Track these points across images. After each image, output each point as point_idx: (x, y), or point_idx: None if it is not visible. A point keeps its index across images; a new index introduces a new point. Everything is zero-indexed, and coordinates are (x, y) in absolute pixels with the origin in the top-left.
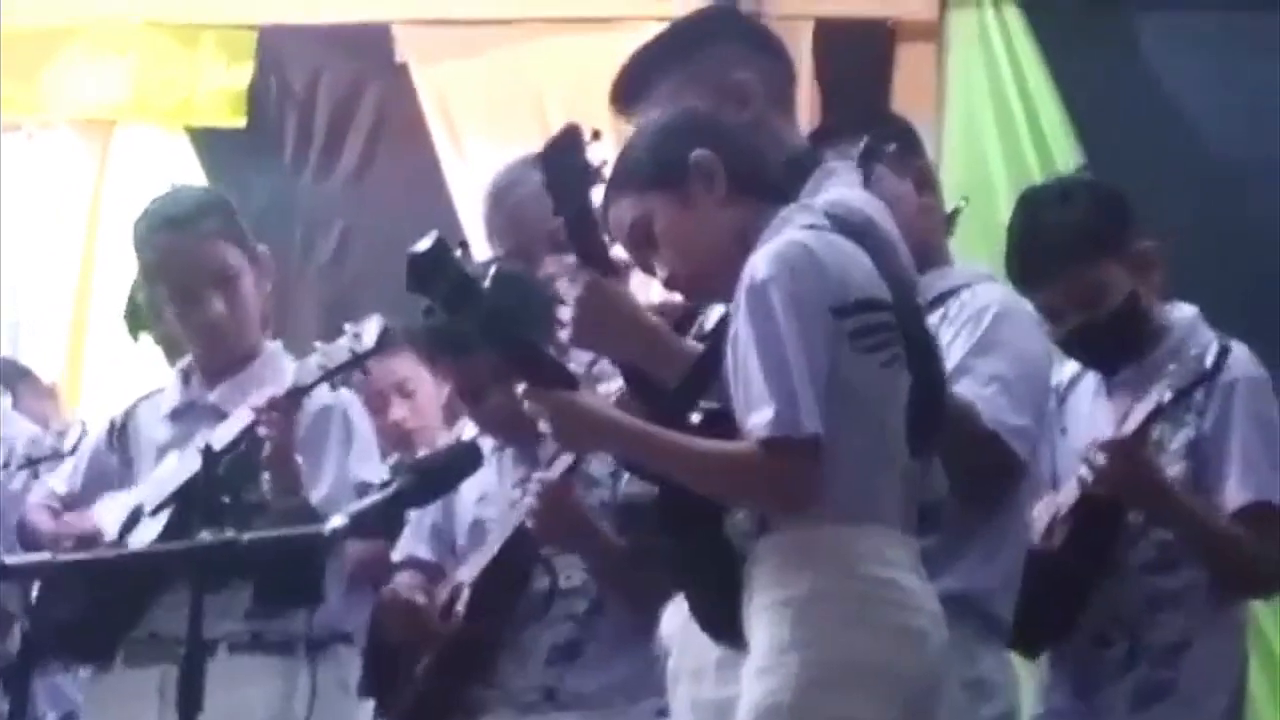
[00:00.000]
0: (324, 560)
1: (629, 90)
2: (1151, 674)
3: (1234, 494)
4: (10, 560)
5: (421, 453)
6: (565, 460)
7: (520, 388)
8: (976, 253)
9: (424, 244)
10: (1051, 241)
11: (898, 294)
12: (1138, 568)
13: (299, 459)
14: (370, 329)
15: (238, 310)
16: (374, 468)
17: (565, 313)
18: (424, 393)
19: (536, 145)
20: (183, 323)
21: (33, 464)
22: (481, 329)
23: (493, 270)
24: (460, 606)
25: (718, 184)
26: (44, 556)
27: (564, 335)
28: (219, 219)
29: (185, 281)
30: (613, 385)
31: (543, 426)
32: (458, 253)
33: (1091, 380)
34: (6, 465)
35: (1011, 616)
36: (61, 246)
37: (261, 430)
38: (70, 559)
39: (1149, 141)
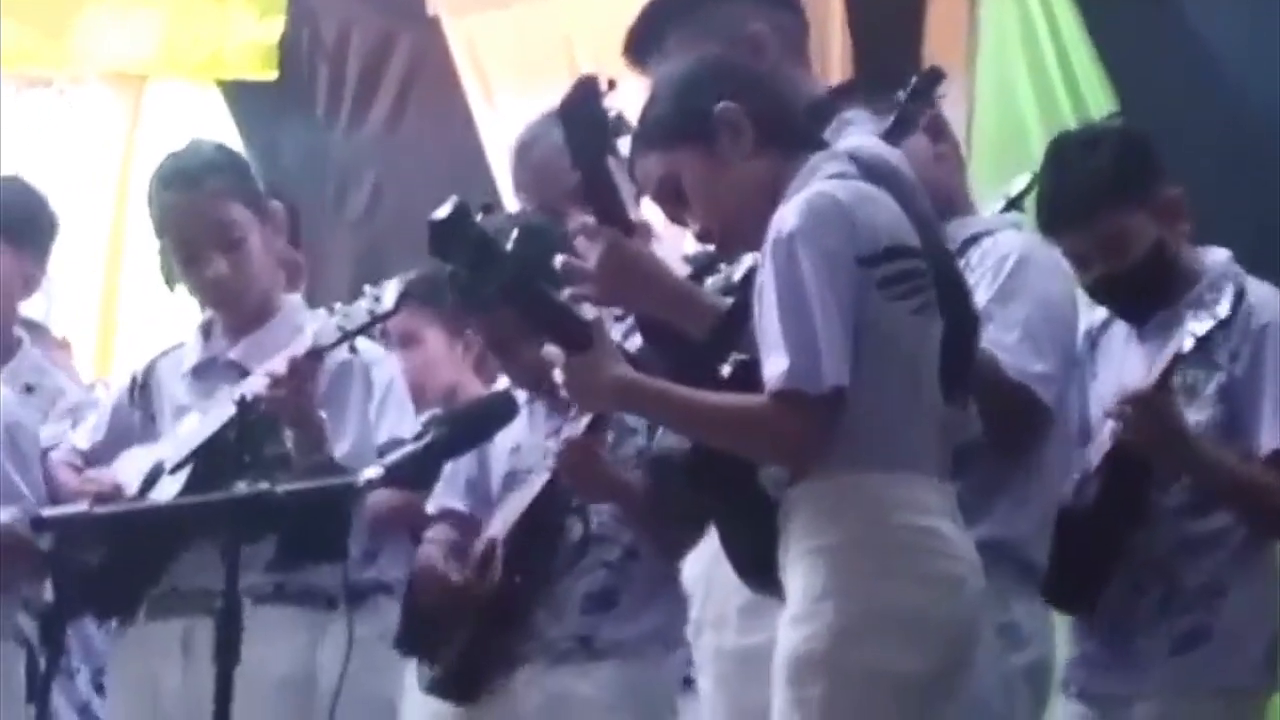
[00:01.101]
0: (349, 515)
1: (642, 43)
2: (1188, 619)
3: (1267, 438)
4: (48, 512)
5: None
6: (586, 418)
7: (548, 349)
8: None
9: (444, 210)
10: (1077, 188)
11: (926, 239)
12: (1171, 512)
13: (322, 415)
14: (389, 291)
15: (243, 270)
16: (407, 422)
17: (584, 269)
18: (434, 344)
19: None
20: (187, 280)
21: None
22: (504, 292)
23: (515, 232)
24: (496, 562)
25: (744, 135)
26: (80, 508)
27: (587, 292)
28: (226, 177)
29: (187, 240)
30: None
31: (564, 386)
32: (479, 216)
33: (1123, 324)
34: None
35: (1045, 562)
36: (94, 202)
37: (280, 393)
38: (106, 511)
39: (1183, 89)
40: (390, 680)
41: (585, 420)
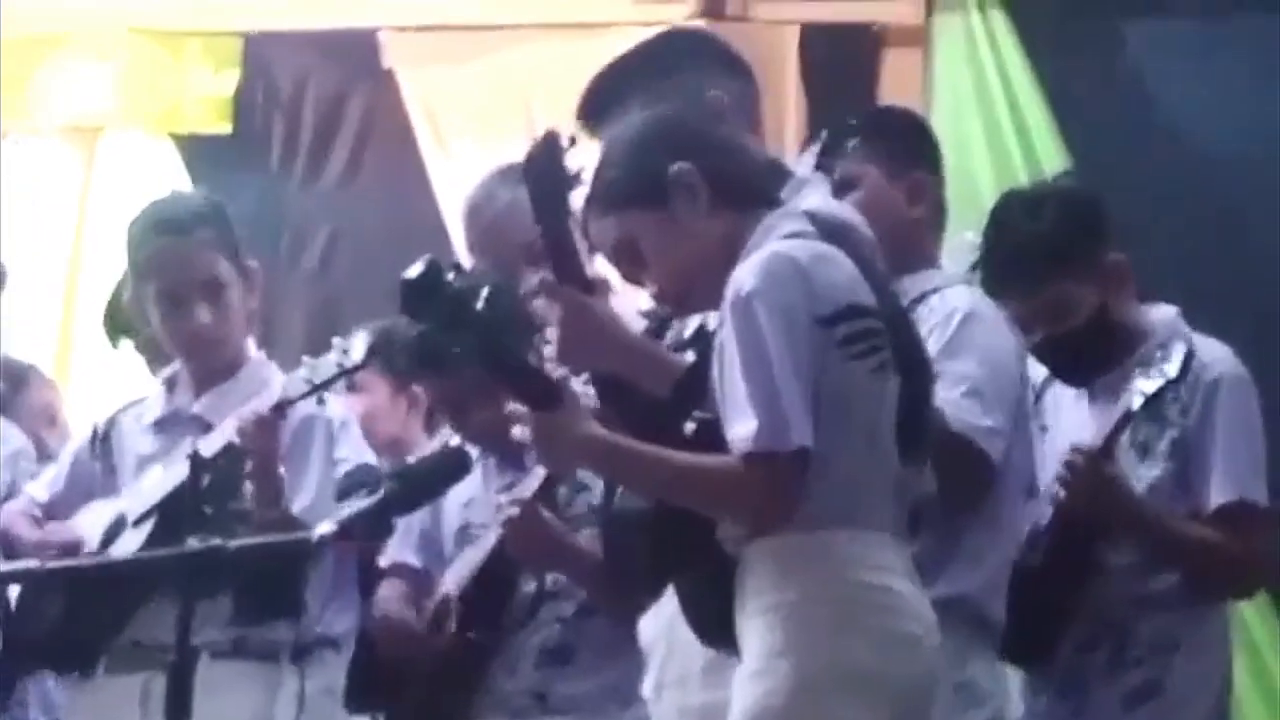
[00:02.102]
0: (306, 570)
1: (595, 109)
2: (1139, 674)
3: (1215, 493)
4: (2, 566)
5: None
6: (536, 477)
7: (512, 408)
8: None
9: (416, 269)
10: (1018, 255)
11: (883, 298)
12: (1122, 569)
13: (282, 471)
14: (358, 344)
15: (223, 321)
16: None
17: (547, 331)
18: (381, 406)
19: (522, 151)
20: (167, 328)
21: None
22: (478, 351)
23: (485, 291)
24: (450, 618)
25: (699, 195)
26: (31, 563)
27: (547, 353)
28: (214, 229)
29: (175, 286)
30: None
31: (529, 447)
32: (450, 275)
33: None
34: None
35: (1002, 618)
36: (48, 253)
37: (244, 443)
38: (58, 565)
39: (1134, 146)
40: None
41: (534, 482)
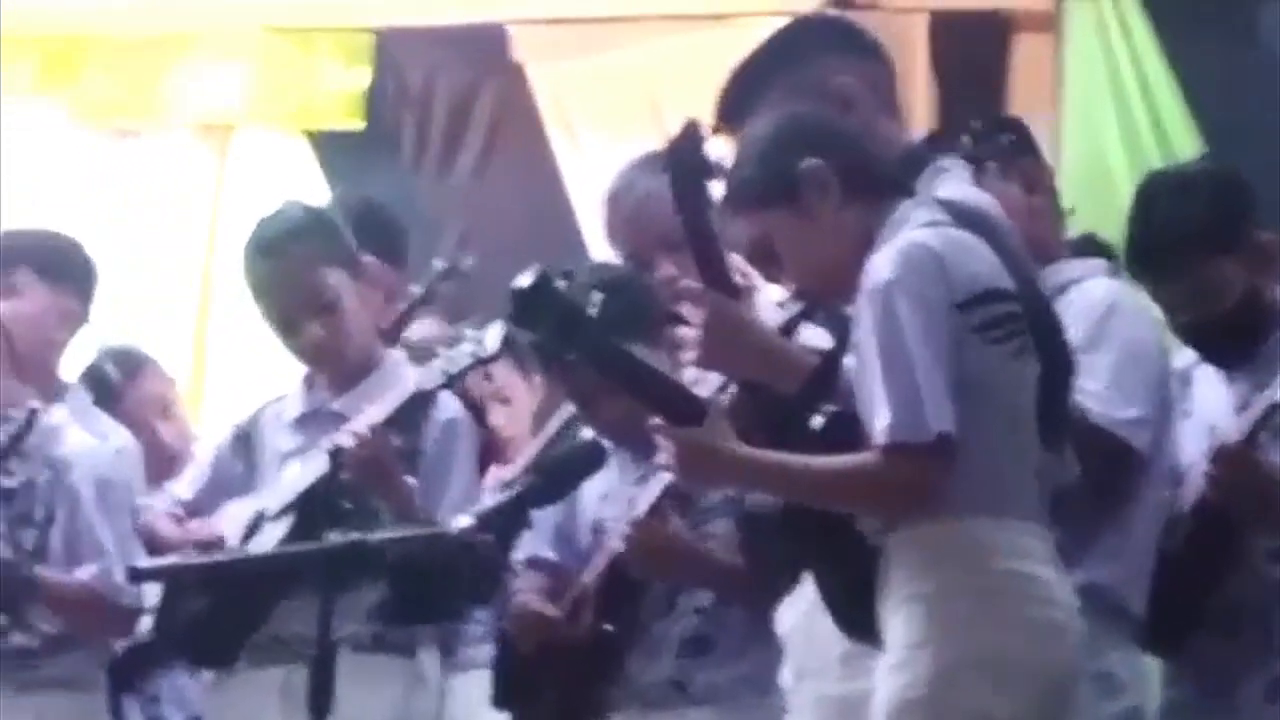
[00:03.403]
0: (459, 571)
1: (733, 106)
2: None
3: None
4: (144, 564)
5: (519, 461)
6: (654, 489)
7: (650, 423)
8: None
9: (526, 279)
10: (1167, 237)
11: (1021, 282)
12: (1266, 556)
13: (411, 481)
14: (492, 334)
15: (339, 333)
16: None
17: (688, 334)
18: (519, 400)
19: (652, 143)
20: (286, 345)
21: None
22: (592, 360)
23: (598, 296)
24: (588, 610)
25: (831, 191)
26: (176, 559)
27: (690, 358)
28: (315, 242)
29: (280, 309)
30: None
31: (666, 462)
32: (560, 283)
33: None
34: None
35: (1141, 608)
36: (182, 253)
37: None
38: (201, 562)
39: (1270, 129)
40: None
41: (649, 495)
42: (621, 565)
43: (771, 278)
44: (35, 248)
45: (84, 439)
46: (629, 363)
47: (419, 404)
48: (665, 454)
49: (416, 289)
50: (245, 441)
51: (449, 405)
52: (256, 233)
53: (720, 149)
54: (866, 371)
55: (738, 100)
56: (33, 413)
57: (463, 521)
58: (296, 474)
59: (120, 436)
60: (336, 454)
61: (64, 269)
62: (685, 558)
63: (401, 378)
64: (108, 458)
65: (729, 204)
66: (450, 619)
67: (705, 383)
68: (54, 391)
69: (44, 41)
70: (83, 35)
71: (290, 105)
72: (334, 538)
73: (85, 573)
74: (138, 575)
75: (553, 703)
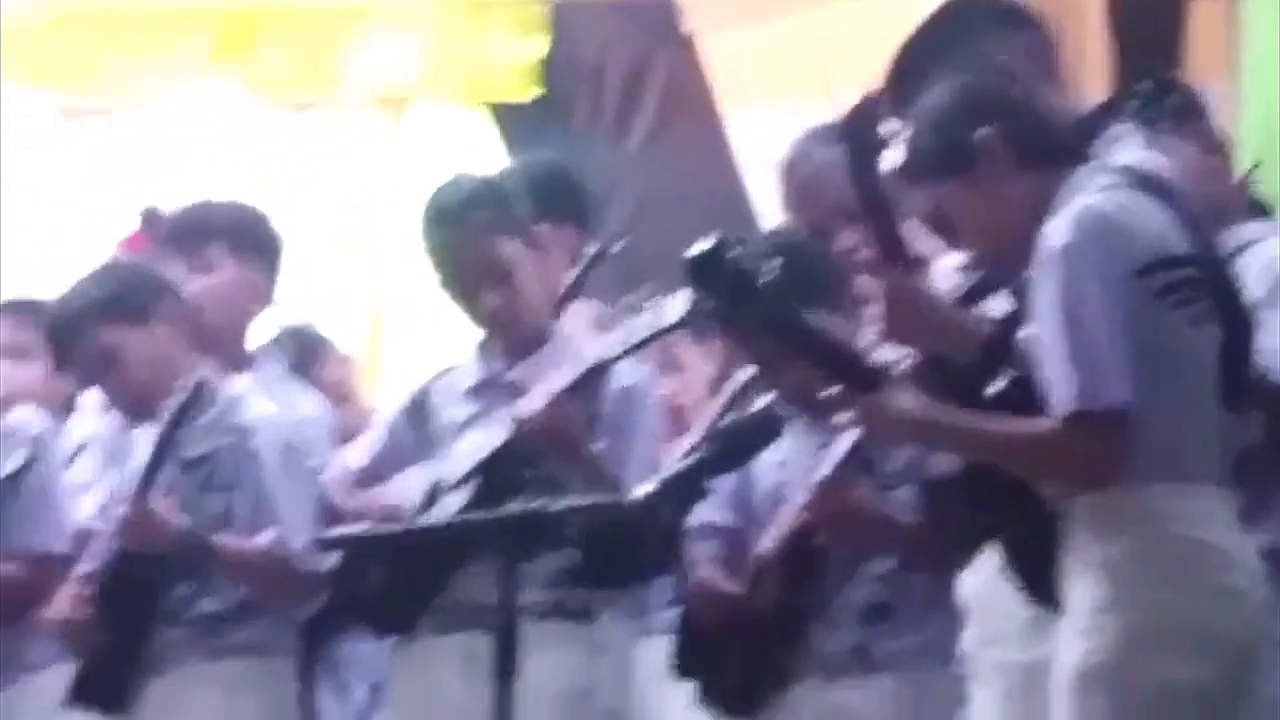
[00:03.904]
0: (644, 537)
1: (898, 88)
2: None
3: None
4: (332, 532)
5: (695, 429)
6: (839, 451)
7: (828, 390)
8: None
9: (701, 246)
10: None
11: (1200, 246)
12: None
13: (595, 447)
14: (676, 303)
15: (514, 301)
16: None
17: (871, 309)
18: (694, 368)
19: (825, 112)
20: (464, 312)
21: None
22: (767, 327)
23: (774, 263)
24: (768, 579)
25: (1006, 159)
26: (362, 528)
27: (873, 332)
28: (490, 211)
29: (457, 277)
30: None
31: (848, 423)
32: (735, 251)
33: None
34: None
35: None
36: (358, 224)
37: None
38: (387, 530)
39: None
40: (653, 697)
41: (831, 459)
42: (805, 529)
43: (948, 246)
44: (227, 221)
45: (267, 407)
46: (803, 329)
47: (598, 374)
48: (846, 413)
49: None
50: (419, 411)
51: (628, 372)
52: (432, 202)
53: (894, 124)
54: (1046, 339)
55: (900, 82)
56: (199, 384)
57: (643, 488)
58: (474, 443)
59: (310, 404)
60: (520, 423)
61: (255, 243)
62: (870, 520)
63: (577, 345)
64: (291, 425)
65: (905, 174)
66: (630, 586)
67: (882, 351)
68: (241, 364)
69: (220, 15)
70: (258, 9)
71: (465, 77)
72: (515, 506)
73: (264, 539)
74: (325, 544)
75: (735, 672)
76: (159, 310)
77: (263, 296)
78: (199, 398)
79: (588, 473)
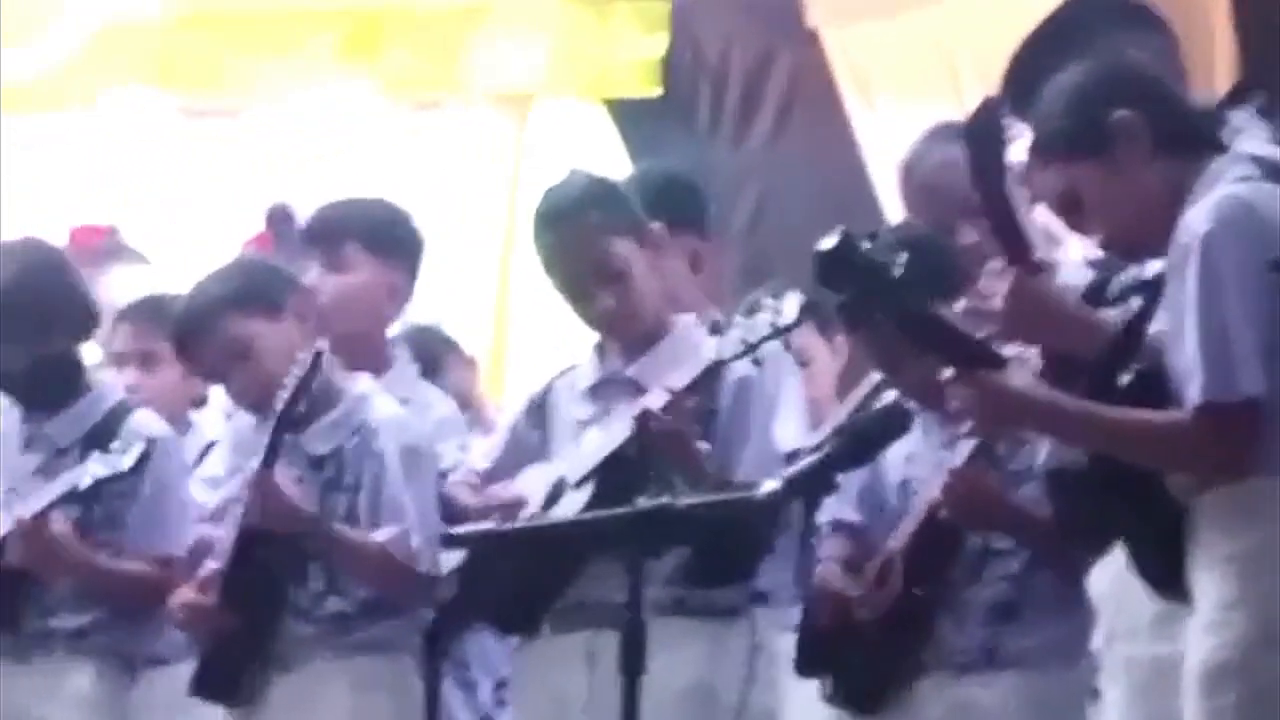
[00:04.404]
0: (761, 534)
1: (1019, 85)
2: None
3: None
4: (458, 529)
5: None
6: (970, 443)
7: (945, 373)
8: None
9: (830, 240)
10: None
11: None
12: None
13: (704, 446)
14: (791, 303)
15: (629, 301)
16: (798, 433)
17: (992, 304)
18: (821, 363)
19: (950, 105)
20: (578, 314)
21: None
22: (897, 320)
23: (903, 257)
24: (895, 575)
25: (1142, 143)
26: (489, 525)
27: (993, 329)
28: (602, 210)
29: (570, 278)
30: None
31: (966, 410)
32: (865, 244)
33: None
34: None
35: None
36: (483, 223)
37: (653, 426)
38: (514, 527)
39: None
40: (772, 693)
41: (966, 447)
42: (933, 525)
43: (1078, 229)
44: (365, 220)
45: (391, 407)
46: (934, 322)
47: (715, 374)
48: (962, 402)
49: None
50: (540, 411)
51: (743, 364)
52: (543, 203)
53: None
54: (1180, 327)
55: (1022, 79)
56: (318, 355)
57: (769, 486)
58: (595, 441)
59: (445, 406)
60: (643, 420)
61: (393, 242)
62: (1002, 508)
63: (694, 343)
64: (414, 425)
65: (1036, 154)
66: (740, 583)
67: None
68: (380, 365)
69: (346, 15)
70: (384, 8)
71: (588, 74)
72: (643, 502)
73: (383, 535)
74: (452, 541)
75: (860, 669)
76: (289, 304)
77: (400, 297)
78: (318, 368)
79: (694, 474)
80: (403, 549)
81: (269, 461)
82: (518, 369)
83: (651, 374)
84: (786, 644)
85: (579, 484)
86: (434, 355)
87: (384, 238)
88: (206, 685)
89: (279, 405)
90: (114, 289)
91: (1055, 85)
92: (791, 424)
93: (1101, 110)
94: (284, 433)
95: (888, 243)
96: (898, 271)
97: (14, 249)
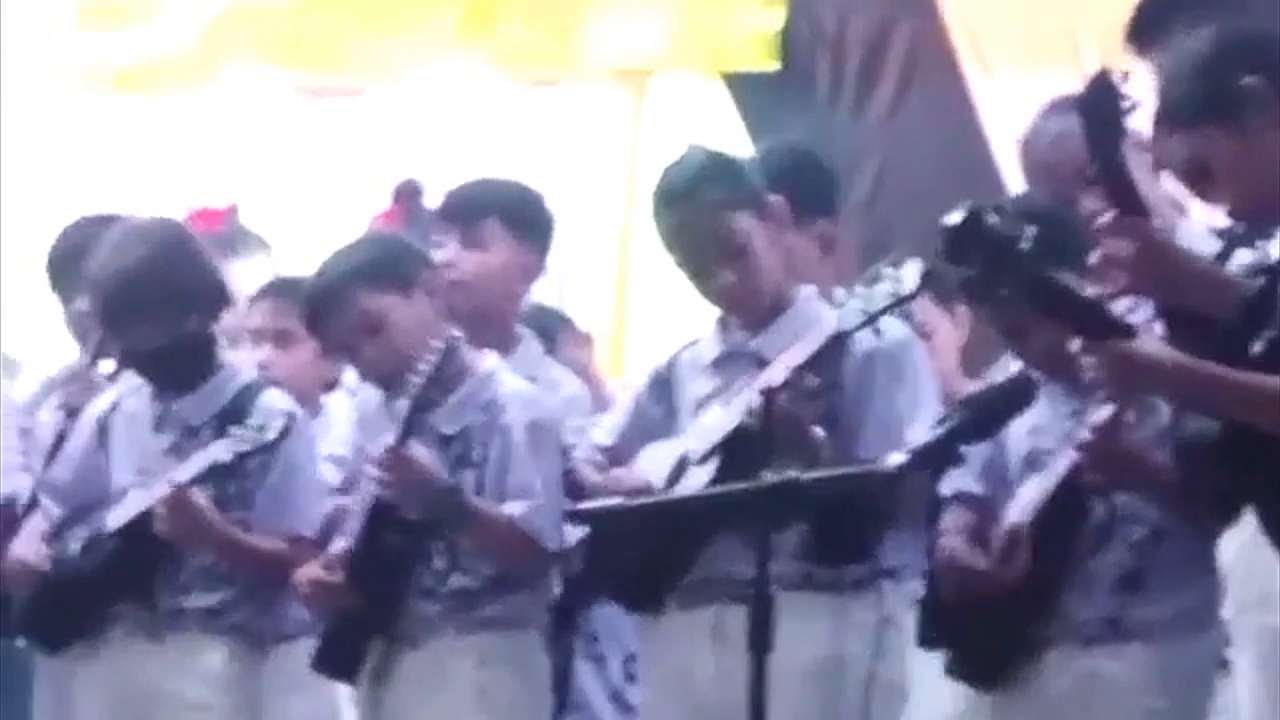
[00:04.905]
0: (885, 510)
1: (1143, 30)
2: None
3: None
4: (584, 505)
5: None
6: (1108, 406)
7: (1076, 342)
8: None
9: (957, 216)
10: None
11: None
12: None
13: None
14: (911, 272)
15: (750, 276)
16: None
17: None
18: (942, 335)
19: (1070, 75)
20: (698, 290)
21: None
22: (1026, 292)
23: (1030, 230)
24: (1021, 547)
25: (1272, 110)
26: (614, 501)
27: (1116, 285)
28: (721, 186)
29: (690, 255)
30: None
31: (1096, 376)
32: (992, 219)
33: None
34: None
35: None
36: (602, 199)
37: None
38: (640, 503)
39: None
40: (900, 667)
41: (1105, 410)
42: (1062, 495)
43: (1204, 197)
44: (504, 199)
45: (517, 383)
46: (1064, 293)
47: (837, 345)
48: (1094, 370)
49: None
50: (664, 385)
51: (867, 336)
52: (662, 180)
53: (1134, 92)
54: None
55: (1147, 24)
56: (453, 341)
57: (896, 459)
58: (718, 417)
59: (572, 384)
60: (769, 394)
61: (529, 222)
62: (1142, 465)
63: (815, 315)
64: (541, 401)
65: (1163, 120)
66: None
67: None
68: (508, 343)
69: None
70: None
71: (706, 48)
72: (769, 476)
73: (512, 509)
74: (575, 517)
75: (984, 642)
76: (420, 280)
77: (532, 276)
78: (455, 355)
79: (807, 454)
80: (531, 524)
81: (403, 439)
82: (638, 347)
83: (774, 348)
84: (913, 618)
85: (702, 460)
86: (549, 332)
87: (521, 217)
88: (328, 662)
89: (412, 389)
90: (235, 270)
91: (1182, 50)
92: (918, 401)
93: (1230, 76)
94: (419, 412)
95: (1014, 216)
96: (1025, 244)
97: (146, 228)
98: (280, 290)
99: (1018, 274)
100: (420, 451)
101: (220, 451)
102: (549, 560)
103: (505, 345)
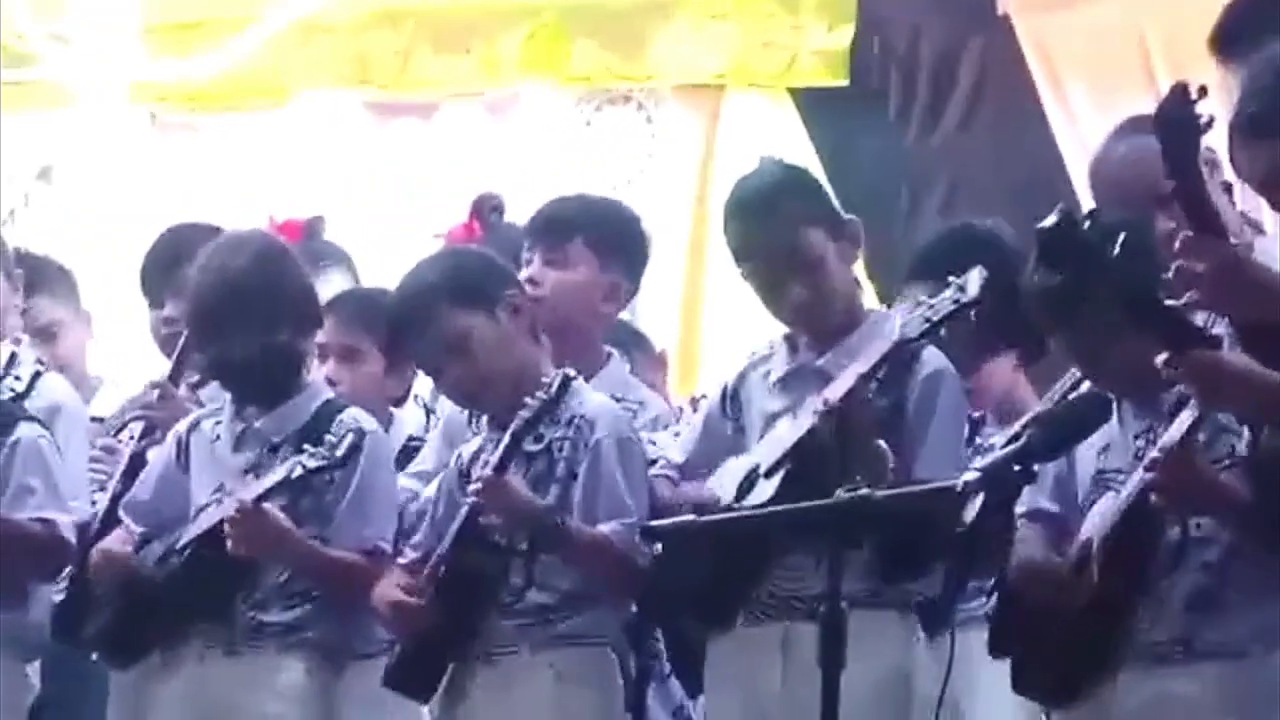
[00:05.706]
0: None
1: (1229, 35)
2: None
3: None
4: (656, 523)
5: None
6: (1183, 423)
7: (1162, 356)
8: None
9: (1051, 220)
10: None
11: None
12: None
13: (881, 445)
14: (973, 279)
15: (821, 292)
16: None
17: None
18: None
19: (1143, 93)
20: (767, 305)
21: None
22: (1119, 296)
23: (1121, 236)
24: (1093, 564)
25: None
26: (686, 518)
27: (1192, 299)
28: (797, 201)
29: (762, 269)
30: None
31: (1183, 388)
32: (1085, 224)
33: None
34: None
35: None
36: (673, 215)
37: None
38: (710, 520)
39: None
40: (967, 685)
41: (1178, 428)
42: (1136, 513)
43: None
44: (594, 219)
45: (599, 399)
46: (1154, 302)
47: (902, 354)
48: (1184, 379)
49: None
50: (734, 401)
51: (933, 359)
52: (736, 192)
53: (1210, 107)
54: None
55: (1233, 30)
56: (565, 378)
57: (968, 476)
58: (786, 430)
59: (658, 403)
60: (829, 411)
61: (619, 243)
62: (1214, 489)
63: (885, 335)
64: (627, 417)
65: (1243, 130)
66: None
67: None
68: (595, 362)
69: (534, 10)
70: (572, 3)
71: (776, 65)
72: (841, 494)
73: (606, 527)
74: (647, 533)
75: (1054, 660)
76: (505, 299)
77: (620, 298)
78: (565, 392)
79: (872, 470)
80: (625, 541)
81: (502, 468)
82: (712, 361)
83: (841, 366)
84: (981, 636)
85: (769, 473)
86: (624, 350)
87: (610, 237)
88: (402, 680)
89: (518, 422)
90: (319, 283)
91: (1264, 60)
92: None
93: None
94: (519, 444)
95: (1106, 223)
96: (1116, 251)
97: (246, 238)
98: (347, 305)
99: (1108, 279)
100: (517, 481)
101: (291, 467)
102: (641, 577)
103: (592, 364)
